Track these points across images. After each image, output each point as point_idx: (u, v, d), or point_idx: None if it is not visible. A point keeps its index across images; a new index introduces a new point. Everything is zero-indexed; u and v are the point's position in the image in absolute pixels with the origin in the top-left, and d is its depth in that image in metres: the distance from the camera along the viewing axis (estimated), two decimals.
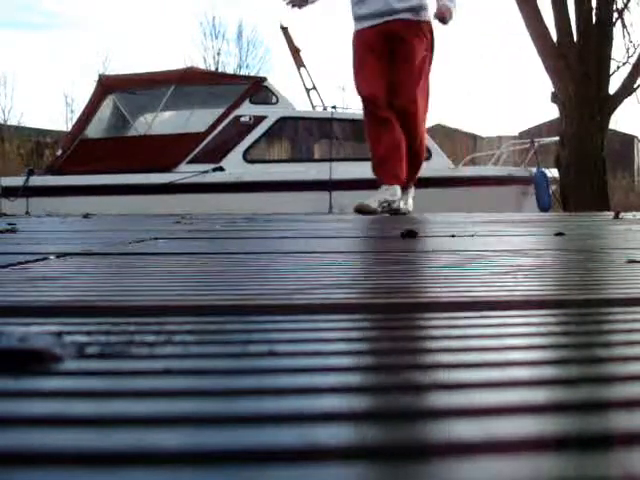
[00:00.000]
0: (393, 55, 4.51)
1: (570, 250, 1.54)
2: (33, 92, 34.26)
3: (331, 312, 0.70)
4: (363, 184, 8.21)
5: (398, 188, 4.56)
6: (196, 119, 8.50)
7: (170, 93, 8.50)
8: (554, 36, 10.24)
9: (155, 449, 0.31)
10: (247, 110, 8.44)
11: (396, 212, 4.52)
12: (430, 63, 4.65)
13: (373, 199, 4.52)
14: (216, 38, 24.86)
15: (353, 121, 8.92)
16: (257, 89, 8.57)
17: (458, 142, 18.05)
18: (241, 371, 0.45)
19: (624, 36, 10.69)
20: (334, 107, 8.93)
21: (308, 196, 7.94)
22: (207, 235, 2.28)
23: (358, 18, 4.60)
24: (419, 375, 0.44)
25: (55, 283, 0.97)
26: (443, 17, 4.50)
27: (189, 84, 8.55)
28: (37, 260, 1.26)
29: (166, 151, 8.14)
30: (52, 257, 1.32)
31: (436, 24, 4.59)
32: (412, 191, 4.82)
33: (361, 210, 4.48)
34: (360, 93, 4.58)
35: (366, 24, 4.56)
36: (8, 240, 1.96)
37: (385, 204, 4.51)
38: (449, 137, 17.70)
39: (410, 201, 4.79)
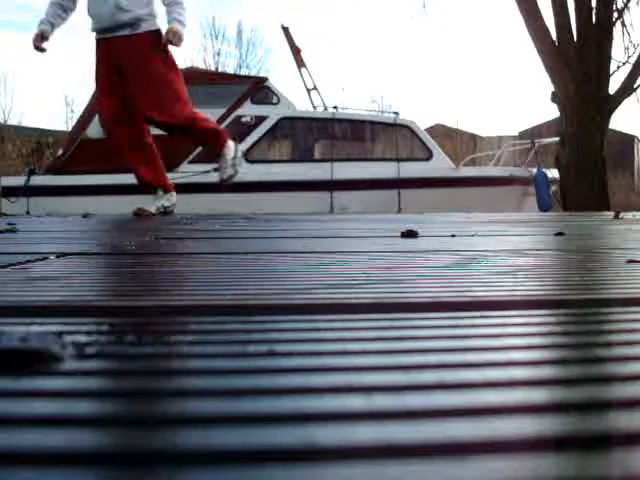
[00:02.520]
0: (122, 71, 4.54)
1: (570, 250, 1.54)
2: (33, 92, 34.21)
3: (331, 312, 0.70)
4: (364, 184, 8.25)
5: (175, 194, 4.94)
6: None
7: None
8: (554, 36, 10.23)
9: (154, 449, 0.31)
10: (248, 110, 8.44)
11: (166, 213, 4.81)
12: (166, 63, 4.73)
13: (151, 205, 4.82)
14: (216, 38, 24.81)
15: (354, 121, 8.93)
16: (258, 89, 8.57)
17: (458, 142, 18.05)
18: (241, 371, 0.45)
19: (624, 36, 10.68)
20: (335, 107, 8.93)
21: (309, 196, 7.94)
22: (207, 235, 2.28)
23: (93, 30, 4.59)
24: (420, 375, 0.44)
25: (55, 283, 0.97)
26: (172, 43, 4.57)
27: (189, 84, 8.54)
28: (37, 260, 1.26)
29: (167, 151, 8.13)
30: (52, 257, 1.32)
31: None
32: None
33: (139, 214, 4.71)
34: (102, 115, 4.69)
35: (97, 36, 4.55)
36: (8, 240, 1.96)
37: (162, 209, 4.84)
38: (449, 137, 17.69)
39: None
